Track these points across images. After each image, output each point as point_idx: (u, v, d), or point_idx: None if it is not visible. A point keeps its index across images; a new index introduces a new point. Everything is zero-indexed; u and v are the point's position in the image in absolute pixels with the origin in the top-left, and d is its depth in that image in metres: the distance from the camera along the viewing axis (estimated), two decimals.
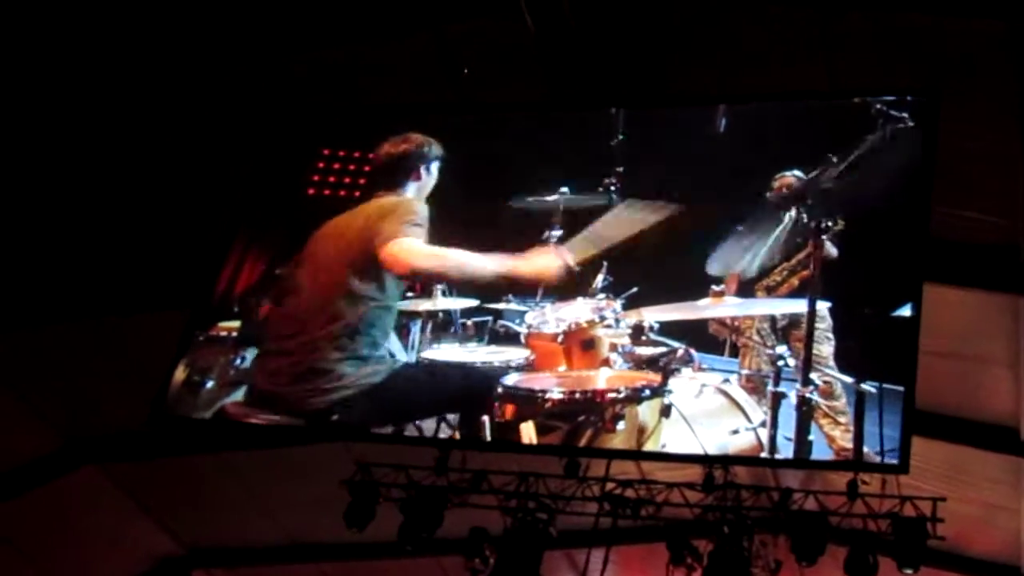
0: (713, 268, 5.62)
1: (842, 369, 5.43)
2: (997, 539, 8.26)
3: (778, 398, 5.16)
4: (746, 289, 5.70)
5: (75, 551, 9.57)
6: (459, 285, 5.77)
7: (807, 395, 5.11)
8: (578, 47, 6.35)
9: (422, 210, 5.40)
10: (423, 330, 5.92)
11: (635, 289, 5.57)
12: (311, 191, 6.34)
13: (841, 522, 6.03)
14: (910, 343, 5.04)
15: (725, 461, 5.80)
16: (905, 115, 5.48)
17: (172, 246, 7.54)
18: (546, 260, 5.41)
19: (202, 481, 9.18)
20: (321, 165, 6.39)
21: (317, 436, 6.77)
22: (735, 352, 5.83)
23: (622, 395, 5.24)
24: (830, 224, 5.46)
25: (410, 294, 5.82)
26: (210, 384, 5.98)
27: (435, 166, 5.74)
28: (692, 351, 5.38)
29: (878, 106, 5.51)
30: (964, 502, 7.58)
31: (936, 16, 5.60)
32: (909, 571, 5.81)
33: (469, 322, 5.90)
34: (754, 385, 5.48)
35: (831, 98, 6.19)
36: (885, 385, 5.02)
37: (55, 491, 8.99)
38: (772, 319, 5.71)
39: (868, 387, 5.01)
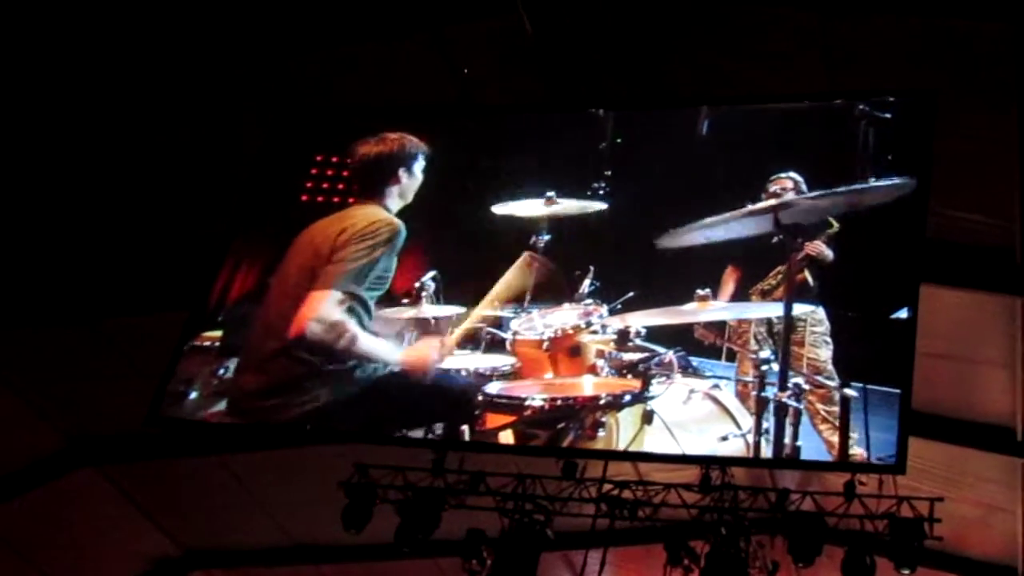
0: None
1: (840, 373, 5.37)
2: (994, 540, 8.26)
3: (763, 403, 5.11)
4: (742, 292, 5.63)
5: (73, 552, 9.60)
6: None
7: (784, 400, 5.04)
8: (576, 48, 6.35)
9: (387, 232, 5.30)
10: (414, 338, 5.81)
11: (631, 294, 5.50)
12: (304, 197, 6.23)
13: (838, 523, 6.00)
14: (907, 345, 5.01)
15: (716, 462, 5.75)
16: (888, 116, 5.44)
17: (172, 248, 7.54)
18: (427, 347, 5.42)
19: (200, 483, 9.19)
20: (315, 171, 6.29)
21: (314, 438, 6.77)
22: (733, 357, 5.75)
23: (603, 402, 5.19)
24: (814, 228, 5.43)
25: (405, 301, 5.75)
26: (193, 395, 5.88)
27: (418, 166, 5.63)
28: (675, 356, 5.28)
29: (861, 107, 5.48)
30: (961, 503, 7.59)
31: (936, 16, 5.60)
32: (906, 572, 5.79)
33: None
34: (748, 391, 5.39)
35: (829, 99, 6.15)
36: (883, 388, 5.00)
37: (54, 492, 9.01)
38: (768, 323, 5.58)
39: (850, 391, 4.98)
